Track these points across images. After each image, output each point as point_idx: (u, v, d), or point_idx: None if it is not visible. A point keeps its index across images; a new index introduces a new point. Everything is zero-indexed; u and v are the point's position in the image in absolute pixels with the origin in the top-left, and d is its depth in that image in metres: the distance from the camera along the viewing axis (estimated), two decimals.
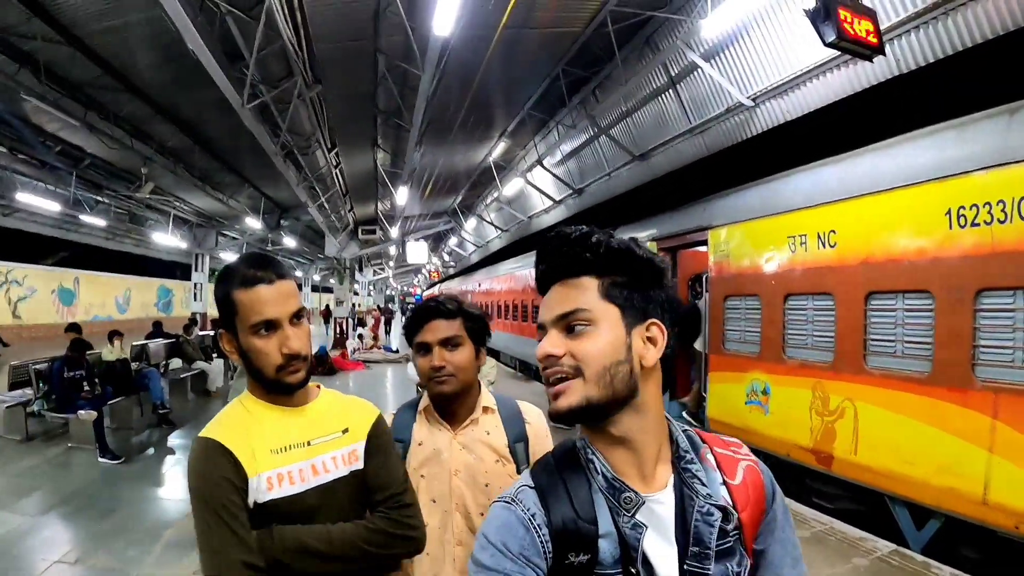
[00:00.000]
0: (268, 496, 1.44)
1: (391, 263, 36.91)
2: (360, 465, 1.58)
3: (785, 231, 5.79)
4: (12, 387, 7.77)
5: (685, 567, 0.97)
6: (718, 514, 0.98)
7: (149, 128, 10.53)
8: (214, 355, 12.92)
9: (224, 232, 21.76)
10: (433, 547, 1.83)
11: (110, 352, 8.68)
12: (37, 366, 7.55)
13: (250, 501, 1.42)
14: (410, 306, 18.16)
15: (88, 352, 7.76)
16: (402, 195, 14.12)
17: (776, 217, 5.98)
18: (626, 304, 1.01)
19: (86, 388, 7.33)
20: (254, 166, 12.71)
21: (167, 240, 18.50)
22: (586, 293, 1.01)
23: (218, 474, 1.40)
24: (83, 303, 22.04)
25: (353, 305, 35.01)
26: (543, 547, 0.99)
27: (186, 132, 11.05)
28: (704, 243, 7.30)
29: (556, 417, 1.01)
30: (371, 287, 45.16)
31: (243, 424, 1.49)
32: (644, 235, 8.78)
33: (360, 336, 19.30)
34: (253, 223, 17.45)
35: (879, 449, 4.77)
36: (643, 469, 1.02)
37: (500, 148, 14.41)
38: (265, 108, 9.22)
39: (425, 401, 1.94)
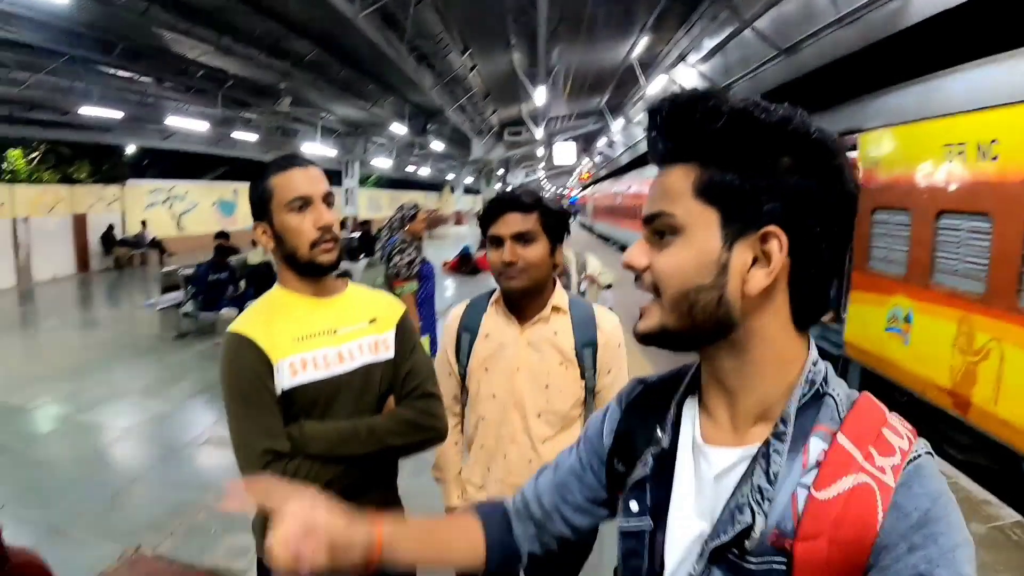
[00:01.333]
0: (293, 382, 1.50)
1: (541, 165, 36.76)
2: (389, 355, 1.65)
3: (941, 138, 4.91)
4: (164, 291, 8.83)
5: (703, 549, 0.77)
6: (748, 517, 0.72)
7: (285, 45, 10.85)
8: (361, 255, 13.87)
9: (372, 139, 22.60)
10: (488, 440, 1.90)
11: (255, 255, 9.55)
12: (185, 271, 8.41)
13: (277, 388, 1.49)
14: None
15: (234, 257, 8.62)
16: (540, 95, 13.73)
17: (932, 122, 5.07)
18: (732, 205, 0.73)
19: (230, 289, 8.11)
20: (394, 73, 12.91)
21: (317, 149, 19.35)
22: (676, 189, 0.76)
23: (242, 364, 1.48)
24: (242, 212, 23.36)
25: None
26: (605, 441, 0.98)
27: (322, 46, 11.28)
28: (853, 148, 6.46)
29: (636, 338, 0.81)
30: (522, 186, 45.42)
31: (268, 314, 1.55)
32: None
33: None
34: (399, 129, 17.90)
35: (1022, 402, 4.09)
36: (734, 419, 0.81)
37: (642, 44, 13.45)
38: (391, 15, 9.23)
39: (497, 295, 1.92)
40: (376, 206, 33.41)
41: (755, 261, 0.73)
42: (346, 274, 1.74)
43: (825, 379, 0.77)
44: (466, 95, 15.45)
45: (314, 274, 1.57)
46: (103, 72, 11.91)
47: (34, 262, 13.84)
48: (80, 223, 15.79)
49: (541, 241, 1.77)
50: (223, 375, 1.51)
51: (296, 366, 1.51)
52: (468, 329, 1.92)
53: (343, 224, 17.98)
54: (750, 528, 0.72)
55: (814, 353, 0.78)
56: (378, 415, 1.61)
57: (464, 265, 15.92)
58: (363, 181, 29.18)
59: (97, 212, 16.54)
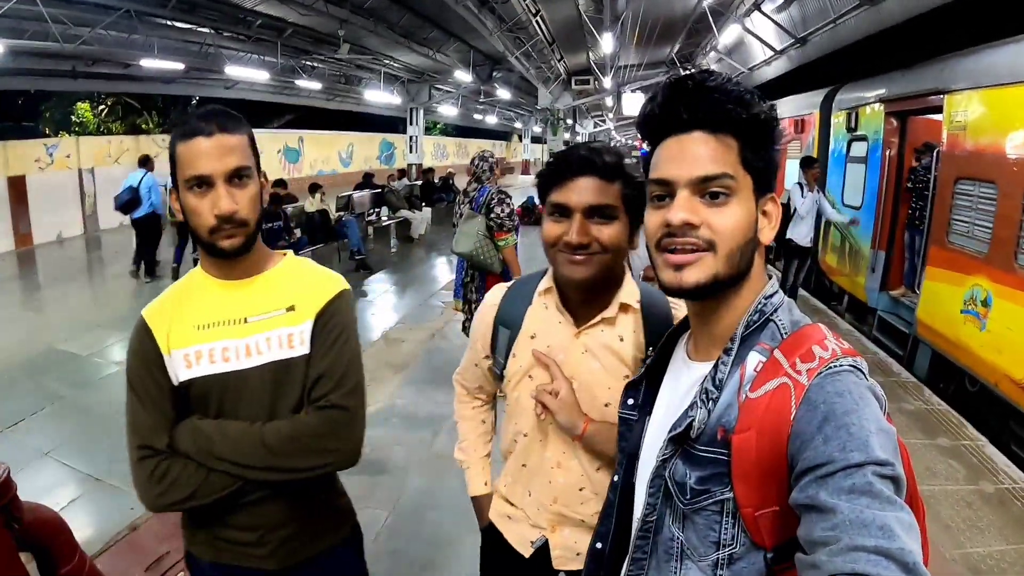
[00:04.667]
0: (187, 374, 1.35)
1: (611, 115, 35.76)
2: (304, 350, 1.39)
3: None
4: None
5: (663, 445, 0.95)
6: (695, 412, 0.90)
7: None
8: (423, 204, 13.91)
9: (437, 86, 22.40)
10: (532, 461, 1.55)
11: (311, 204, 9.63)
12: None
13: (173, 380, 1.36)
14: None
15: (290, 205, 8.72)
16: (607, 43, 13.21)
17: None
18: (758, 173, 0.91)
19: (284, 237, 8.16)
20: (455, 19, 12.63)
21: (381, 97, 19.36)
22: (730, 155, 0.89)
23: (135, 351, 1.37)
24: (308, 159, 23.66)
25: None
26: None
27: None
28: (939, 110, 5.92)
29: (677, 291, 0.92)
30: (593, 140, 44.64)
31: (177, 298, 1.42)
32: (872, 95, 7.45)
33: None
34: (464, 76, 17.66)
35: None
36: (714, 341, 0.97)
37: None
38: None
39: (548, 282, 1.49)
40: (442, 154, 33.39)
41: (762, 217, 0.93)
42: (294, 246, 1.54)
43: (776, 310, 0.92)
44: (531, 41, 15.01)
45: (219, 257, 1.36)
46: (160, 24, 12.05)
47: (100, 211, 14.17)
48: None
49: (621, 221, 1.34)
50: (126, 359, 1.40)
51: (191, 358, 1.35)
52: (506, 324, 1.53)
53: (404, 173, 17.98)
54: (695, 420, 0.89)
55: (770, 288, 0.95)
56: (272, 424, 1.36)
57: (528, 216, 15.75)
58: (429, 129, 29.17)
59: (163, 161, 17.06)
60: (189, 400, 1.37)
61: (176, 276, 7.93)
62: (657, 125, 0.94)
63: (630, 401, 1.15)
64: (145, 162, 9.35)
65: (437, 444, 4.32)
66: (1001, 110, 4.92)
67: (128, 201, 8.90)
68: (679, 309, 1.48)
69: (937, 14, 6.24)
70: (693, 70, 0.85)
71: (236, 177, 1.31)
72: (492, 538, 1.69)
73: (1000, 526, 3.53)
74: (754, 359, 0.88)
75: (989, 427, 4.81)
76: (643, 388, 1.13)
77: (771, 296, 0.94)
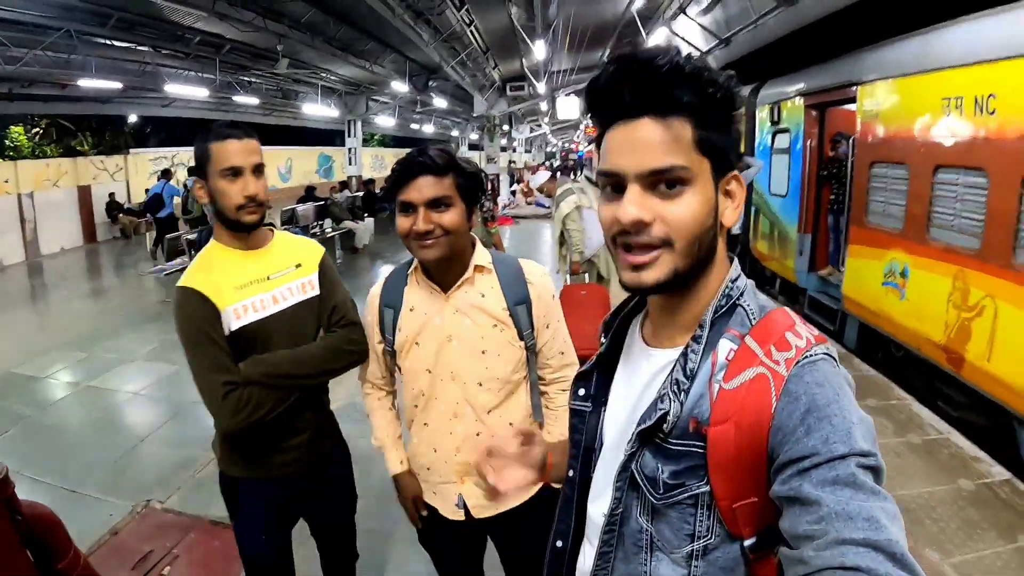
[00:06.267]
0: (237, 324, 1.76)
1: (546, 120, 36.26)
2: (315, 292, 1.92)
3: (939, 91, 4.83)
4: (169, 257, 8.97)
5: (632, 439, 0.90)
6: (667, 405, 0.85)
7: (280, 7, 10.66)
8: (364, 215, 13.89)
9: (374, 98, 22.31)
10: (432, 418, 1.78)
11: None
12: (189, 236, 8.58)
13: (225, 331, 1.74)
14: (571, 162, 17.96)
15: None
16: (540, 49, 13.52)
17: (930, 74, 4.99)
18: (716, 154, 0.84)
19: None
20: (391, 31, 12.68)
21: (318, 110, 19.26)
22: (682, 142, 0.81)
23: (193, 313, 1.71)
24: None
25: (510, 162, 35.25)
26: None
27: (317, 6, 11.10)
28: (853, 100, 6.38)
29: (637, 290, 0.89)
30: (529, 144, 45.01)
31: (209, 269, 1.78)
32: (792, 89, 7.91)
33: (513, 192, 19.59)
34: (400, 87, 17.66)
35: (1016, 360, 4.09)
36: (675, 328, 0.94)
37: None
38: None
39: (415, 264, 1.77)
40: (380, 165, 33.18)
41: (724, 197, 0.88)
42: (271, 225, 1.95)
43: (742, 294, 0.89)
44: (465, 51, 15.17)
45: (241, 230, 1.80)
46: (99, 44, 11.75)
47: (41, 236, 13.95)
48: (85, 195, 15.75)
49: (457, 206, 1.63)
50: (179, 326, 1.74)
51: (239, 311, 1.76)
52: (390, 305, 1.79)
53: (345, 185, 17.92)
54: (667, 414, 0.84)
55: (734, 272, 0.92)
56: (312, 343, 1.87)
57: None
58: (367, 140, 28.91)
59: (101, 183, 16.51)
60: (239, 344, 1.76)
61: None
62: (604, 108, 0.88)
63: (581, 392, 1.09)
64: (166, 174, 13.52)
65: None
66: (908, 97, 5.37)
67: (154, 204, 12.72)
68: (530, 270, 1.79)
69: (850, 11, 6.70)
70: (640, 47, 0.85)
71: (257, 170, 1.77)
72: (430, 513, 1.91)
73: (928, 472, 3.88)
74: (725, 347, 0.84)
75: (916, 388, 5.22)
76: (595, 378, 1.08)
77: (736, 279, 0.91)
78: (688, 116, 0.82)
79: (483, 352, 1.71)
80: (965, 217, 4.65)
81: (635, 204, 0.82)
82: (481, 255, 1.75)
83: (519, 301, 1.73)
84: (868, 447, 0.71)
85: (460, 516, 1.82)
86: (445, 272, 1.72)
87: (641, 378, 0.96)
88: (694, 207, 0.82)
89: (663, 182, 0.82)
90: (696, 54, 0.90)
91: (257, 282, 1.81)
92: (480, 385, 1.73)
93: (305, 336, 1.87)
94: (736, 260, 0.95)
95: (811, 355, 0.79)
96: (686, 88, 0.80)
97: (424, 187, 1.59)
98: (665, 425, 0.85)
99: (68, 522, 2.12)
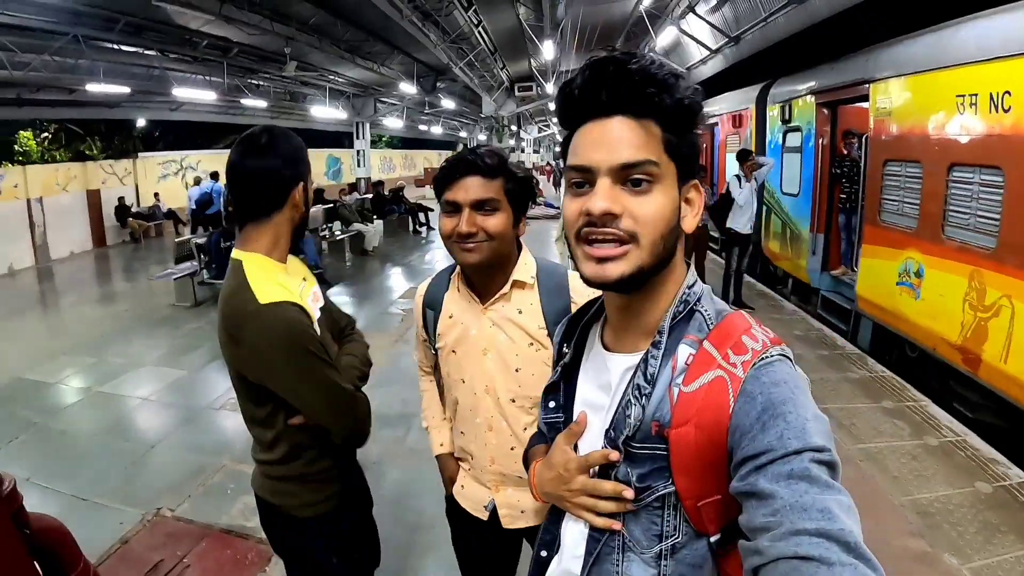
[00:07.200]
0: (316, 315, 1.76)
1: (555, 120, 36.22)
2: (322, 303, 1.85)
3: (953, 88, 4.77)
4: (178, 261, 8.96)
5: (604, 446, 0.94)
6: (632, 411, 0.89)
7: (287, 9, 10.69)
8: (374, 217, 13.91)
9: (382, 99, 22.35)
10: (467, 427, 1.76)
11: None
12: (198, 240, 8.54)
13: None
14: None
15: None
16: (548, 49, 13.47)
17: (944, 71, 4.93)
18: (681, 160, 0.88)
19: None
20: (399, 33, 12.69)
21: (326, 112, 19.24)
22: (653, 141, 0.85)
23: (303, 327, 1.57)
24: None
25: (519, 163, 35.21)
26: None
27: (324, 8, 11.11)
28: (866, 98, 6.31)
29: (600, 285, 0.89)
30: (537, 145, 44.99)
31: (274, 282, 1.63)
32: (803, 88, 7.86)
33: None
34: (408, 88, 17.68)
35: None
36: (635, 333, 0.96)
37: None
38: None
39: (458, 268, 1.72)
40: (389, 167, 33.22)
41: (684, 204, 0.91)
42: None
43: (699, 299, 0.92)
44: (473, 52, 15.16)
45: (292, 252, 1.79)
46: (107, 48, 11.82)
47: (50, 240, 13.97)
48: (94, 199, 15.77)
49: (504, 211, 1.57)
50: (289, 344, 1.52)
51: (311, 304, 1.71)
52: (431, 307, 1.77)
53: (354, 187, 17.92)
54: (630, 419, 0.88)
55: (691, 278, 0.95)
56: (352, 345, 1.92)
57: None
58: (375, 142, 28.98)
59: (110, 187, 16.56)
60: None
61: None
62: (577, 108, 0.90)
63: (551, 404, 1.12)
64: (215, 176, 14.38)
65: (410, 440, 4.41)
66: (922, 95, 5.31)
67: (203, 203, 14.04)
68: (576, 282, 1.67)
69: (861, 8, 6.64)
70: (616, 51, 0.88)
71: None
72: (454, 510, 1.88)
73: (945, 474, 3.82)
74: (684, 351, 0.87)
75: (931, 389, 5.15)
76: (562, 388, 1.10)
77: (692, 285, 0.94)
78: (658, 119, 0.86)
79: (517, 370, 1.65)
80: (981, 216, 4.59)
81: (606, 197, 0.85)
82: (524, 269, 1.67)
83: (561, 313, 1.54)
84: (823, 443, 0.72)
85: (484, 515, 1.78)
86: (486, 281, 1.66)
87: (601, 382, 0.99)
88: (661, 204, 0.86)
89: (632, 178, 0.85)
90: (669, 63, 0.93)
91: (299, 284, 1.74)
92: (513, 402, 1.67)
93: (331, 345, 1.81)
94: (691, 266, 0.98)
95: (767, 356, 0.82)
96: (659, 92, 0.84)
97: (471, 187, 1.54)
98: (628, 429, 0.88)
99: (77, 530, 2.12)
